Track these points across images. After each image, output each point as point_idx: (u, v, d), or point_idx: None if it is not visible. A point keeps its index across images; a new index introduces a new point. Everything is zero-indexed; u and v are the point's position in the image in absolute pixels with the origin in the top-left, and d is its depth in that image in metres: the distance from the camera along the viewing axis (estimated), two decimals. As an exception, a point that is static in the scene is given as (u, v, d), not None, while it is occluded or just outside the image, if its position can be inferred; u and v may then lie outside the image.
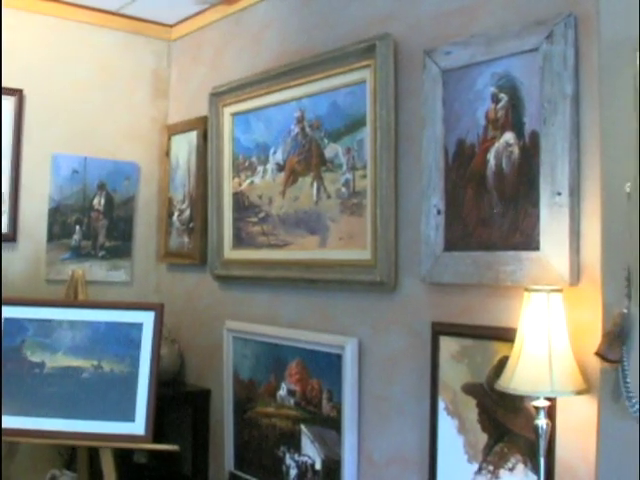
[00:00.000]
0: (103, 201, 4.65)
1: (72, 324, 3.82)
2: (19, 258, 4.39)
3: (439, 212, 3.00)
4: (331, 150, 3.56)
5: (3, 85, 4.27)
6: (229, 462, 4.09)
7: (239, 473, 4.01)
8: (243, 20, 4.28)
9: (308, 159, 3.69)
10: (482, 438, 2.84)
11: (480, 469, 2.83)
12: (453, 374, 2.95)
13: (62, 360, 3.76)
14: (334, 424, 3.43)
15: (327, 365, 3.50)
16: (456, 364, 2.94)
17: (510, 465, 2.74)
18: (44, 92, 4.45)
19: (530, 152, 2.70)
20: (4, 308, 3.84)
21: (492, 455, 2.80)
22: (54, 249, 4.50)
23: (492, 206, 2.82)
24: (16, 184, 4.33)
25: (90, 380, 3.71)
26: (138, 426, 3.59)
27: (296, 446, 3.64)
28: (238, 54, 4.29)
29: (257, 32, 4.16)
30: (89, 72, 4.63)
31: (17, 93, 4.32)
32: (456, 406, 2.93)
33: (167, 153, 4.77)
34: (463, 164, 2.93)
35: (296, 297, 3.79)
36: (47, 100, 4.47)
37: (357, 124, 3.40)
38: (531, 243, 2.69)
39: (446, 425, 2.96)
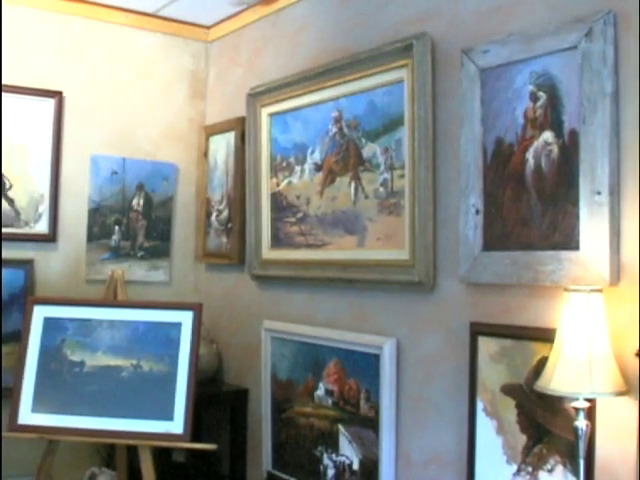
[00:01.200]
0: (142, 202, 4.68)
1: (112, 324, 3.85)
2: (59, 258, 4.44)
3: (477, 212, 2.99)
4: (369, 150, 3.55)
5: (43, 87, 4.34)
6: (267, 462, 4.10)
7: (277, 473, 4.02)
8: (280, 21, 4.29)
9: (346, 159, 3.69)
10: (521, 439, 2.82)
11: (519, 470, 2.81)
12: (492, 375, 2.93)
13: (102, 359, 3.79)
14: (372, 424, 3.43)
15: (365, 365, 3.49)
16: (495, 365, 2.92)
17: (549, 466, 2.72)
18: (83, 94, 4.51)
19: (569, 151, 2.67)
20: (45, 307, 3.88)
21: (531, 456, 2.78)
22: (94, 249, 4.54)
23: (531, 205, 2.80)
24: (56, 185, 4.38)
25: (129, 379, 3.74)
26: (177, 425, 3.61)
27: (334, 446, 3.64)
28: (275, 54, 4.30)
29: (294, 32, 4.16)
30: (128, 74, 4.68)
31: (57, 95, 4.38)
32: (495, 407, 2.91)
33: (205, 154, 4.80)
34: (501, 163, 2.91)
35: (334, 297, 3.79)
36: (86, 102, 4.52)
37: (395, 124, 3.39)
38: (570, 243, 2.66)
39: (485, 426, 2.94)
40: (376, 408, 3.41)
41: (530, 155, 2.80)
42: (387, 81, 3.42)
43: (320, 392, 3.76)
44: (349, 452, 3.56)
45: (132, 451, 3.95)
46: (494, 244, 2.94)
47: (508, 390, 2.87)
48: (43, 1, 4.37)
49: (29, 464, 4.08)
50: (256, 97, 4.25)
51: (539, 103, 2.77)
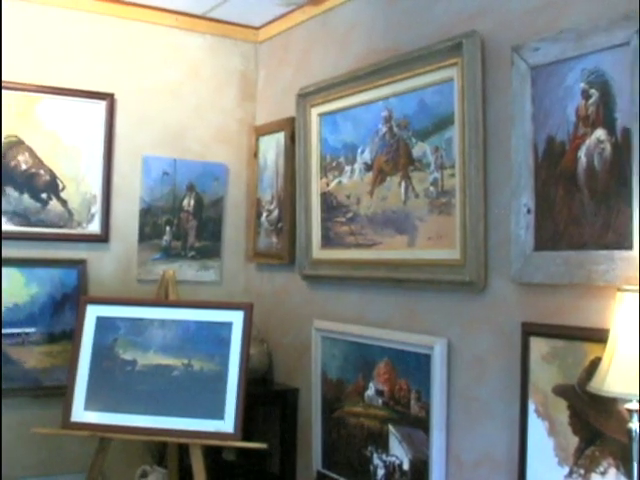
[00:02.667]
0: (193, 202, 4.72)
1: (163, 323, 3.88)
2: (111, 258, 4.50)
3: (529, 211, 2.96)
4: (419, 149, 3.54)
5: (95, 90, 4.40)
6: (317, 461, 4.10)
7: (327, 472, 4.02)
8: (329, 21, 4.29)
9: (396, 158, 3.68)
10: (573, 441, 2.78)
11: (571, 472, 2.78)
12: (543, 375, 2.90)
13: (153, 358, 3.82)
14: (422, 424, 3.41)
15: (415, 365, 3.48)
16: (547, 365, 2.89)
17: (602, 469, 2.68)
18: (134, 96, 4.56)
19: (622, 149, 2.63)
20: (98, 307, 3.93)
21: (583, 458, 2.74)
22: (145, 249, 4.59)
23: (583, 204, 2.77)
24: (108, 186, 4.44)
25: (180, 378, 3.77)
26: (227, 424, 3.63)
27: (384, 446, 3.63)
28: (325, 55, 4.30)
29: (343, 32, 4.16)
30: (178, 75, 4.72)
31: (108, 97, 4.44)
32: (546, 408, 2.88)
33: (255, 154, 4.82)
34: (553, 162, 2.87)
35: (384, 297, 3.78)
36: (137, 104, 4.57)
37: (445, 123, 3.37)
38: (624, 242, 2.62)
39: (536, 427, 2.91)
40: (426, 408, 3.39)
41: (582, 153, 2.77)
42: (437, 80, 3.40)
43: (370, 392, 3.75)
44: (399, 452, 3.55)
45: (183, 449, 3.98)
46: (546, 244, 2.91)
47: (560, 391, 2.84)
48: (94, 4, 4.42)
49: (81, 461, 4.16)
50: (306, 97, 4.26)
51: (591, 101, 2.73)
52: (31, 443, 4.18)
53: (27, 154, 4.23)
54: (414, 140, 3.56)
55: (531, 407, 2.93)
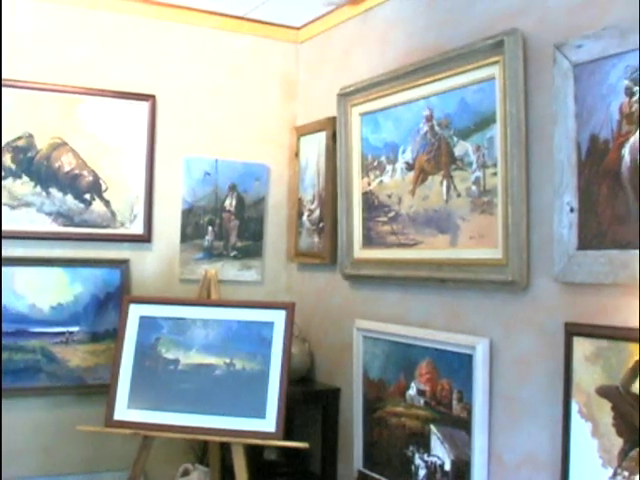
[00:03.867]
0: (234, 202, 4.74)
1: (205, 322, 3.90)
2: (154, 258, 4.54)
3: (572, 210, 2.93)
4: (461, 148, 3.51)
5: (137, 91, 4.46)
6: (358, 461, 4.09)
7: (368, 472, 4.01)
8: (369, 20, 4.28)
9: (437, 157, 3.66)
10: (617, 442, 2.75)
11: (615, 474, 2.74)
12: (587, 376, 2.86)
13: (195, 357, 3.85)
14: (464, 425, 3.39)
15: (458, 365, 3.46)
16: (590, 366, 2.85)
17: (647, 471, 2.65)
18: (176, 97, 4.60)
19: (667, 147, 2.60)
20: (141, 306, 3.97)
21: (627, 460, 2.71)
22: (187, 249, 4.62)
23: (628, 203, 2.73)
24: (150, 187, 4.48)
25: (222, 377, 3.78)
26: (269, 423, 3.63)
27: (425, 446, 3.62)
28: (365, 54, 4.29)
29: (384, 31, 4.15)
30: (219, 76, 4.75)
31: (150, 99, 4.48)
32: (590, 409, 2.85)
33: (296, 154, 4.83)
34: (596, 160, 2.84)
35: (426, 296, 3.76)
36: (179, 105, 4.61)
37: (487, 121, 3.35)
38: (669, 241, 2.59)
39: (579, 428, 2.88)
40: (468, 408, 3.37)
41: (626, 151, 2.73)
42: (478, 78, 3.37)
43: (412, 392, 3.74)
44: (441, 452, 3.53)
45: (225, 448, 4.00)
46: (589, 243, 2.87)
47: (604, 392, 2.81)
48: (136, 7, 4.47)
49: (124, 459, 4.21)
50: (347, 97, 4.25)
51: (635, 98, 2.69)
52: (75, 441, 4.24)
53: (71, 155, 4.28)
54: (455, 139, 3.54)
55: (574, 408, 2.90)
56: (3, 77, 4.12)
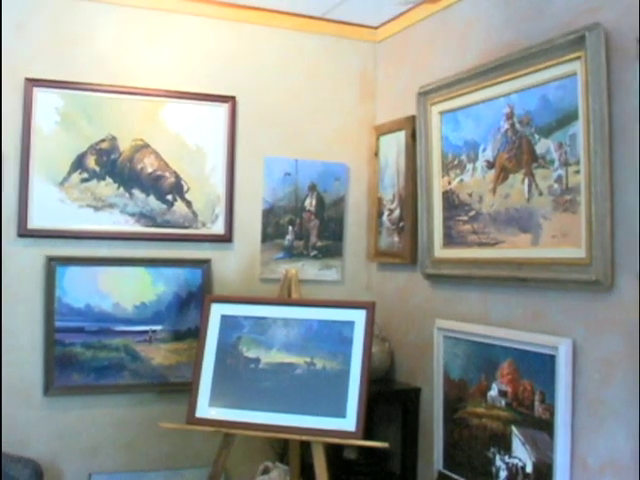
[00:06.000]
0: (314, 202, 4.76)
1: (286, 322, 3.92)
2: (235, 258, 4.58)
3: (657, 207, 2.87)
4: (542, 146, 3.46)
5: (217, 93, 4.51)
6: (438, 461, 4.07)
7: (448, 473, 3.98)
8: (448, 18, 4.25)
9: (519, 156, 3.61)
10: None
11: (703, 479, 2.68)
12: (674, 378, 2.81)
13: (276, 356, 3.86)
14: (546, 426, 3.34)
15: (540, 366, 3.41)
16: (677, 367, 2.80)
17: None
18: (256, 98, 4.64)
19: None
20: (222, 305, 4.00)
21: None
22: (268, 249, 4.65)
23: None
24: (231, 187, 4.53)
25: (303, 376, 3.79)
26: (349, 422, 3.62)
27: (506, 448, 3.58)
28: (444, 52, 4.26)
29: (462, 29, 4.11)
30: (298, 77, 4.77)
31: (230, 100, 4.53)
32: (677, 412, 2.79)
33: (376, 153, 4.82)
34: (683, 156, 2.78)
35: (507, 296, 3.72)
36: (259, 106, 4.65)
37: (569, 118, 3.29)
38: None
39: (666, 431, 2.82)
40: (551, 410, 3.32)
41: None
42: (559, 75, 3.32)
43: (493, 392, 3.70)
44: (522, 454, 3.48)
45: (305, 447, 4.01)
46: (676, 241, 2.81)
47: (691, 395, 2.75)
48: (214, 10, 4.52)
49: (205, 456, 4.27)
50: (426, 95, 4.23)
51: None
52: (157, 437, 4.32)
53: (153, 157, 4.35)
54: (537, 136, 3.49)
55: (661, 411, 2.84)
56: (86, 82, 4.22)
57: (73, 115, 4.21)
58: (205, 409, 3.80)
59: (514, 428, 3.54)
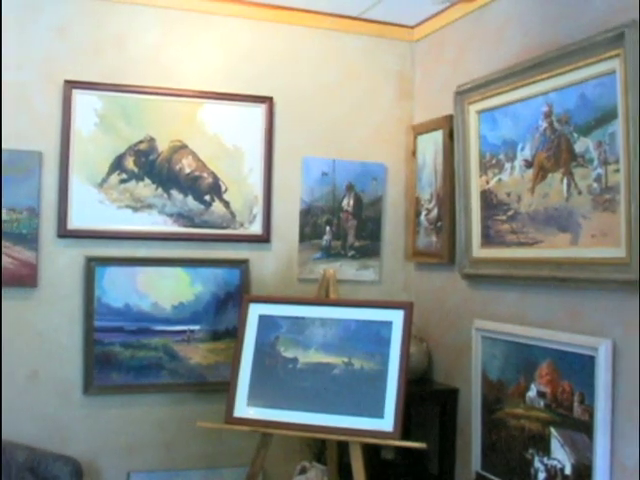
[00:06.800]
0: (352, 202, 4.76)
1: (324, 322, 3.92)
2: (273, 258, 4.59)
3: (699, 206, 2.83)
4: (581, 145, 3.43)
5: (255, 94, 4.53)
6: (476, 462, 4.05)
7: (486, 474, 3.96)
8: (484, 16, 4.23)
9: (557, 154, 3.58)
10: None
11: None
12: None
13: (314, 356, 3.86)
14: (585, 428, 3.31)
15: (579, 367, 3.38)
16: None
17: None
18: (293, 99, 4.65)
19: None
20: (260, 305, 4.01)
21: None
22: (306, 249, 4.66)
23: None
24: (269, 187, 4.54)
25: (340, 376, 3.79)
26: (387, 423, 3.61)
27: (545, 449, 3.55)
28: (481, 51, 4.24)
29: (499, 27, 4.09)
30: (335, 77, 4.77)
31: (267, 101, 4.54)
32: None
33: (413, 153, 4.80)
34: None
35: (546, 296, 3.69)
36: (296, 106, 4.66)
37: (608, 116, 3.25)
38: None
39: None
40: (590, 411, 3.29)
41: None
42: (598, 72, 3.28)
43: (532, 393, 3.67)
44: (561, 456, 3.45)
45: (342, 447, 4.01)
46: None
47: None
48: (252, 11, 4.54)
49: (243, 455, 4.30)
50: (463, 95, 4.20)
51: None
52: (196, 436, 4.35)
53: (191, 158, 4.38)
54: (576, 135, 3.46)
55: (702, 412, 2.80)
56: (125, 83, 4.27)
57: (112, 117, 4.25)
58: (243, 409, 3.81)
59: (553, 429, 3.51)
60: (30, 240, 4.07)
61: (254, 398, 3.84)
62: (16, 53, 4.10)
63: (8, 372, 4.07)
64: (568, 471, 3.40)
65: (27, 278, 4.07)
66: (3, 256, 4.02)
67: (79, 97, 4.18)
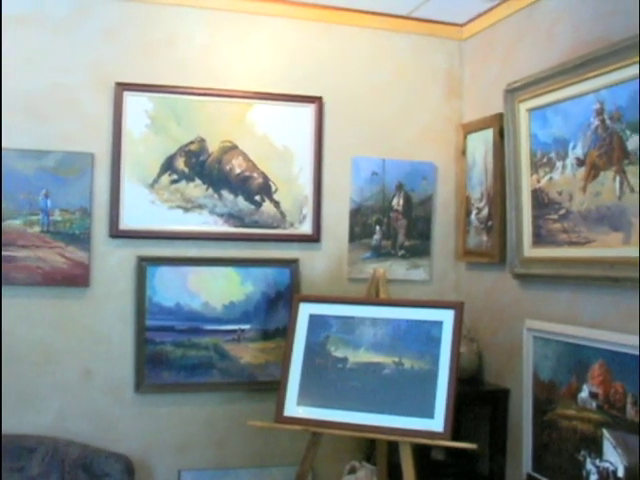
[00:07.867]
0: (402, 201, 4.75)
1: (374, 321, 3.92)
2: (322, 257, 4.61)
3: None
4: (634, 142, 3.38)
5: (303, 94, 4.56)
6: (527, 464, 4.01)
7: (537, 475, 3.92)
8: (534, 14, 4.19)
9: (609, 152, 3.54)
10: None
11: None
12: None
13: (364, 356, 3.87)
14: (639, 430, 3.27)
15: (632, 368, 3.33)
16: None
17: None
18: (342, 98, 4.66)
19: None
20: (310, 305, 4.03)
21: None
22: (355, 249, 4.66)
23: None
24: (319, 187, 4.56)
25: (391, 376, 3.79)
26: (437, 423, 3.60)
27: (597, 451, 3.50)
28: (531, 48, 4.20)
29: (549, 25, 4.05)
30: (384, 77, 4.77)
31: (317, 101, 4.56)
32: None
33: (463, 152, 4.78)
34: None
35: (598, 296, 3.64)
36: (345, 106, 4.67)
37: (661, 113, 3.22)
38: None
39: None
40: (643, 413, 3.25)
41: None
42: (650, 68, 3.25)
43: (584, 394, 3.63)
44: (614, 458, 3.41)
45: (392, 447, 4.00)
46: None
47: None
48: (302, 11, 4.56)
49: (293, 455, 4.32)
50: (514, 93, 4.17)
51: None
52: (246, 435, 4.37)
53: (241, 158, 4.41)
54: (628, 132, 3.41)
55: None
56: (175, 85, 4.32)
57: (162, 118, 4.30)
58: (293, 408, 3.83)
59: (605, 431, 3.47)
60: (82, 240, 4.13)
61: (304, 397, 3.85)
62: (65, 56, 4.18)
63: (62, 371, 4.15)
64: (620, 474, 3.36)
65: (80, 278, 4.14)
66: (57, 256, 4.09)
67: (130, 99, 4.23)
